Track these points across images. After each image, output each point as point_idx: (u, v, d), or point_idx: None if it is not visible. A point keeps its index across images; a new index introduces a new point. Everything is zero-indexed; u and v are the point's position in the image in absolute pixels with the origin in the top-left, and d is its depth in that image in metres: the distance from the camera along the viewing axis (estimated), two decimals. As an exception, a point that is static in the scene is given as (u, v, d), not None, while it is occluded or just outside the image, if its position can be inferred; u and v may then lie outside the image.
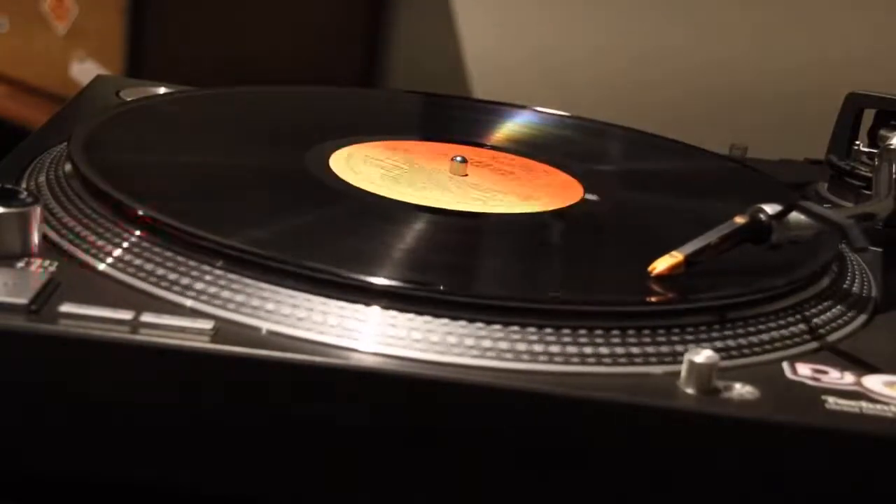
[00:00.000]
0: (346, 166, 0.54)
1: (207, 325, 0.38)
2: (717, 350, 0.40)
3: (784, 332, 0.44)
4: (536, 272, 0.47)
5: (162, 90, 0.65)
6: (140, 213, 0.44)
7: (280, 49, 1.29)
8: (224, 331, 0.39)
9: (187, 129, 0.58)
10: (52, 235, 0.44)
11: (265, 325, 0.39)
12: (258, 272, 0.41)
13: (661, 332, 0.41)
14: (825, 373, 0.41)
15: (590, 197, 0.54)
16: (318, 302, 0.40)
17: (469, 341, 0.39)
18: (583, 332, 0.40)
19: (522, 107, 0.68)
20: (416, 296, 0.40)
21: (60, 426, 0.38)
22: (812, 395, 0.39)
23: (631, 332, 0.41)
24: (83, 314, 0.38)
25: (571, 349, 0.40)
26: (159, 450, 0.39)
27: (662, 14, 1.22)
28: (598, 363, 0.40)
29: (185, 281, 0.41)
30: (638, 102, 1.19)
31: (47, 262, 0.42)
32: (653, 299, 0.43)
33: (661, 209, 0.55)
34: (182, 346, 0.37)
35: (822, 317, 0.45)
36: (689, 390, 0.38)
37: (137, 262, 0.42)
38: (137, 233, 0.43)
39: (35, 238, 0.42)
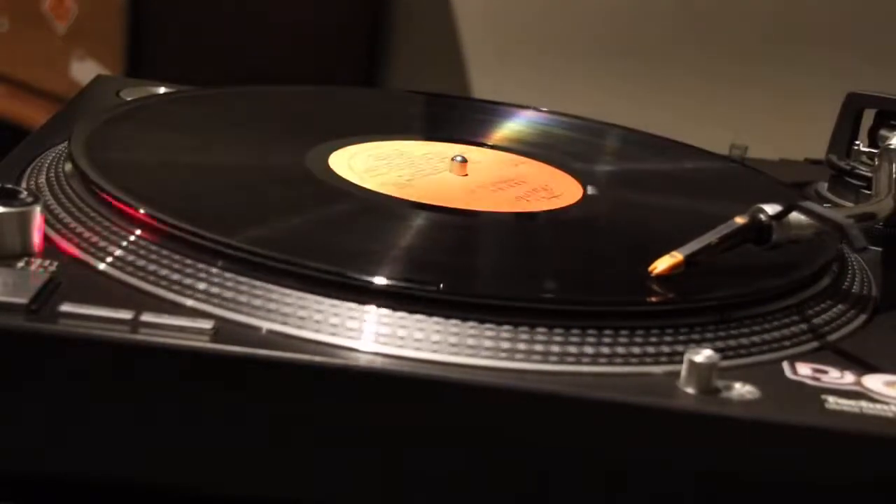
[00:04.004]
0: (346, 166, 0.54)
1: (207, 324, 0.38)
2: (717, 350, 0.40)
3: (784, 332, 0.44)
4: (536, 271, 0.47)
5: (162, 90, 0.65)
6: (140, 212, 0.44)
7: (280, 49, 1.29)
8: (224, 331, 0.39)
9: (187, 129, 0.58)
10: (52, 235, 0.44)
11: (265, 325, 0.39)
12: (258, 272, 0.41)
13: (661, 332, 0.41)
14: (825, 372, 0.41)
15: (591, 190, 0.54)
16: (317, 301, 0.40)
17: (469, 341, 0.39)
18: (583, 331, 0.40)
19: (522, 107, 0.68)
20: (416, 296, 0.40)
21: (60, 426, 0.38)
22: (812, 394, 0.39)
23: (631, 332, 0.41)
24: (83, 314, 0.38)
25: (571, 349, 0.40)
26: (159, 450, 0.39)
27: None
28: (598, 363, 0.40)
29: (185, 280, 0.41)
30: (636, 102, 1.19)
31: (47, 262, 0.42)
32: (653, 299, 0.43)
33: (661, 209, 0.55)
34: (182, 346, 0.37)
35: (822, 316, 0.45)
36: (689, 390, 0.38)
37: (137, 261, 0.42)
38: (137, 232, 0.43)
39: (35, 238, 0.42)
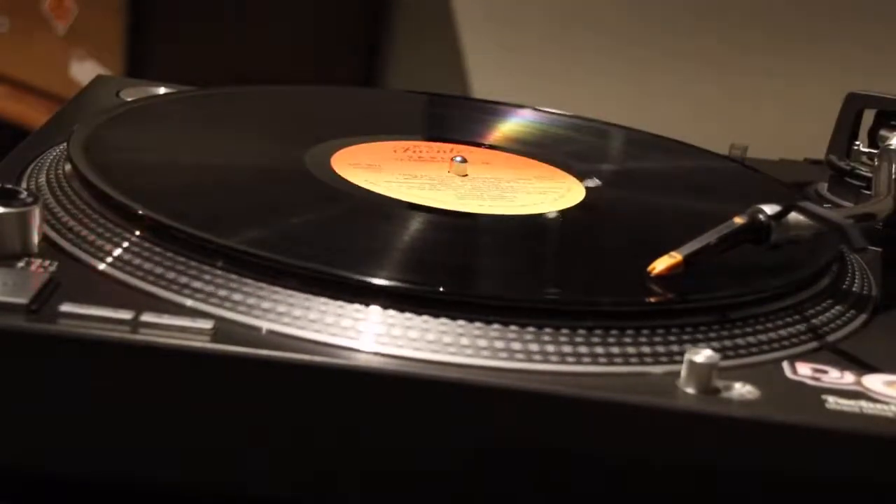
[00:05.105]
0: (346, 166, 0.54)
1: (207, 324, 0.38)
2: (717, 350, 0.40)
3: (784, 332, 0.44)
4: (536, 272, 0.47)
5: (162, 90, 0.65)
6: (140, 213, 0.44)
7: (280, 49, 1.29)
8: (224, 330, 0.39)
9: (187, 129, 0.58)
10: (52, 235, 0.44)
11: (265, 325, 0.39)
12: (258, 272, 0.41)
13: (661, 332, 0.41)
14: (825, 372, 0.41)
15: (589, 183, 0.54)
16: (317, 302, 0.40)
17: (468, 341, 0.39)
18: (582, 331, 0.40)
19: (522, 107, 0.68)
20: (416, 296, 0.40)
21: (60, 426, 0.38)
22: (812, 394, 0.39)
23: (631, 332, 0.41)
24: (83, 314, 0.38)
25: (571, 349, 0.40)
26: (159, 450, 0.39)
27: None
28: (598, 363, 0.40)
29: (184, 280, 0.41)
30: (636, 102, 1.19)
31: (47, 262, 0.42)
32: (652, 299, 0.43)
33: (661, 209, 0.55)
34: (182, 346, 0.37)
35: (822, 316, 0.45)
36: (689, 390, 0.38)
37: (137, 261, 0.42)
38: (137, 233, 0.43)
39: (35, 238, 0.42)
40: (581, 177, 0.57)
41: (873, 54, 1.10)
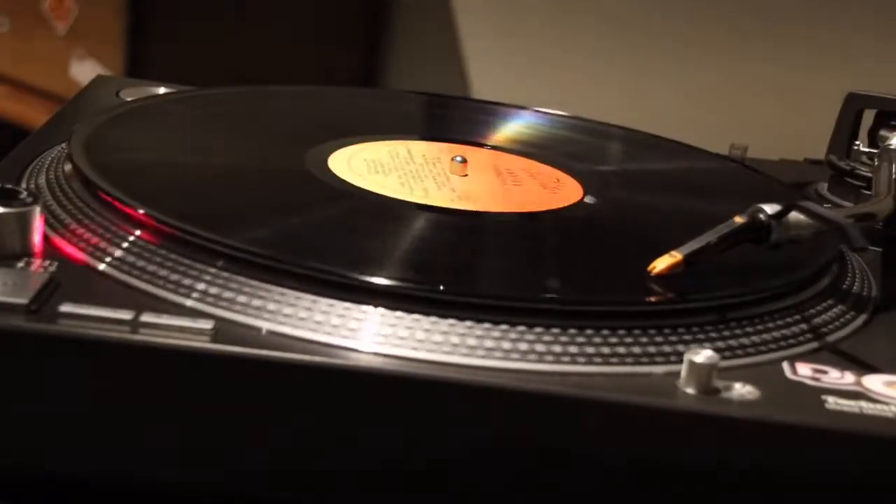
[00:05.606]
0: (346, 166, 0.54)
1: (207, 325, 0.38)
2: (717, 350, 0.40)
3: (784, 332, 0.44)
4: (536, 272, 0.47)
5: (162, 90, 0.65)
6: (140, 212, 0.44)
7: (280, 49, 1.29)
8: (224, 331, 0.39)
9: (187, 129, 0.58)
10: (52, 236, 0.44)
11: (265, 325, 0.39)
12: (258, 272, 0.41)
13: (661, 332, 0.41)
14: (825, 373, 0.41)
15: (588, 200, 0.54)
16: (318, 302, 0.40)
17: (469, 341, 0.39)
18: (582, 331, 0.40)
19: (522, 107, 0.68)
20: (416, 296, 0.40)
21: (60, 426, 0.38)
22: (812, 395, 0.39)
23: (631, 331, 0.41)
24: (83, 314, 0.38)
25: (571, 349, 0.40)
26: (158, 450, 0.39)
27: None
28: (598, 363, 0.40)
29: (185, 281, 0.41)
30: (637, 102, 1.19)
31: (47, 262, 0.42)
32: (653, 299, 0.43)
33: (661, 209, 0.55)
34: (182, 346, 0.37)
35: (822, 317, 0.45)
36: (689, 390, 0.38)
37: (137, 262, 0.42)
38: (137, 233, 0.43)
39: (35, 238, 0.42)
40: (580, 177, 0.57)
41: (873, 41, 1.10)
